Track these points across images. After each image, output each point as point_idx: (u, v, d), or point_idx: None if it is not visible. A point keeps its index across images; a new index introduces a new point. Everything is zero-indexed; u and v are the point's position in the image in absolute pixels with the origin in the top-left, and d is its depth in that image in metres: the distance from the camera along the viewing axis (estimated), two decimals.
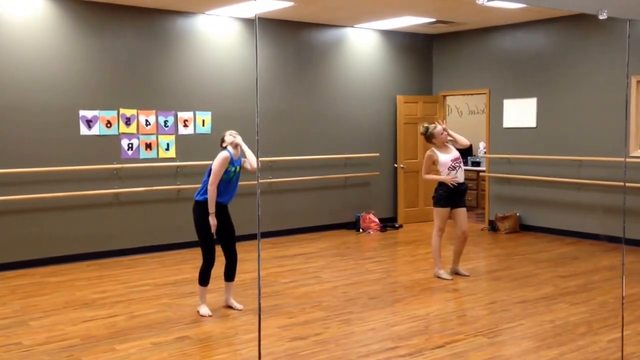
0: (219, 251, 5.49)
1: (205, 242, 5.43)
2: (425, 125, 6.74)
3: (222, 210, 5.44)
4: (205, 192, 5.33)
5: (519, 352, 4.57)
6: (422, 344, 4.70)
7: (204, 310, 5.47)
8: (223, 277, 5.64)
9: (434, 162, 6.58)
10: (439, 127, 6.57)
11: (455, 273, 6.81)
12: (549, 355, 4.47)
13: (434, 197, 6.67)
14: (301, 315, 5.44)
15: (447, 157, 6.53)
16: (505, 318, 5.34)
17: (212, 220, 5.31)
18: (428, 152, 6.61)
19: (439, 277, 6.67)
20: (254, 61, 8.76)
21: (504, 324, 5.17)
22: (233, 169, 5.41)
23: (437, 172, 6.63)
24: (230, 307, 5.64)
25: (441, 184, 6.58)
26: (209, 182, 5.29)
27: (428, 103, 10.61)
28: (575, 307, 5.63)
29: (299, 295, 6.08)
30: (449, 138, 6.64)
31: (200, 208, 5.40)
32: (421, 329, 5.07)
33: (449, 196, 6.55)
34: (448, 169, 6.51)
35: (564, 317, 5.32)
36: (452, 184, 6.49)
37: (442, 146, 6.59)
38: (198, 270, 5.50)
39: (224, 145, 5.48)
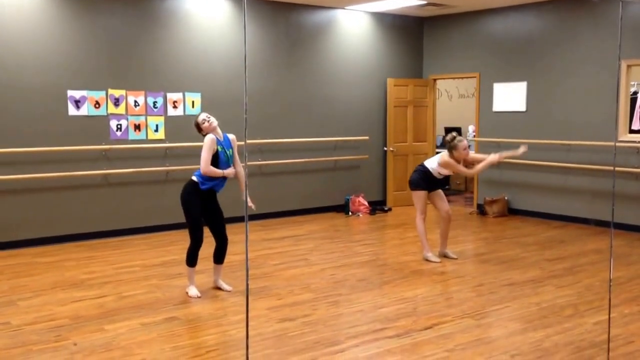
0: (207, 232, 5.49)
1: (194, 222, 5.39)
2: (454, 134, 6.54)
3: (211, 196, 5.44)
4: (204, 176, 5.31)
5: (505, 333, 4.61)
6: (409, 326, 4.74)
7: (193, 291, 5.47)
8: (212, 259, 5.64)
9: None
10: (465, 143, 6.45)
11: (444, 256, 6.86)
12: (535, 337, 4.51)
13: (410, 181, 6.76)
14: (290, 297, 5.46)
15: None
16: (492, 300, 5.38)
17: (226, 172, 5.33)
18: (446, 158, 6.46)
19: (427, 260, 6.71)
20: (243, 42, 8.69)
21: (490, 306, 5.22)
22: (222, 149, 5.37)
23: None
24: (219, 288, 5.65)
25: (419, 169, 6.73)
26: (201, 169, 5.27)
27: (418, 86, 10.60)
28: (561, 289, 5.69)
29: (288, 277, 6.10)
30: (473, 161, 6.68)
31: (192, 188, 5.37)
32: (409, 310, 5.11)
33: (424, 179, 6.63)
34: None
35: (551, 300, 5.37)
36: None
37: (458, 161, 6.53)
38: (186, 251, 5.49)
39: (203, 133, 5.39)
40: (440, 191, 6.78)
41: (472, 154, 6.76)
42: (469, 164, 6.71)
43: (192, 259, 5.47)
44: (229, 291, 5.58)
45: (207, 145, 5.26)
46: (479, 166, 6.56)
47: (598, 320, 4.86)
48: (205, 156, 5.25)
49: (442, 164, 6.54)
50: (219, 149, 5.33)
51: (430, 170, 6.65)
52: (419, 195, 6.69)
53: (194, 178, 5.36)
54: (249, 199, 5.38)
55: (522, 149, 6.43)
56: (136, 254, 7.05)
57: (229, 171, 5.35)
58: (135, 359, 4.11)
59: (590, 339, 4.45)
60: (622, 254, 6.98)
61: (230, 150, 5.46)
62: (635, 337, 4.48)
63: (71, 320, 4.85)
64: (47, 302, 5.30)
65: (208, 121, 5.36)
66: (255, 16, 8.84)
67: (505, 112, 9.66)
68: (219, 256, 5.60)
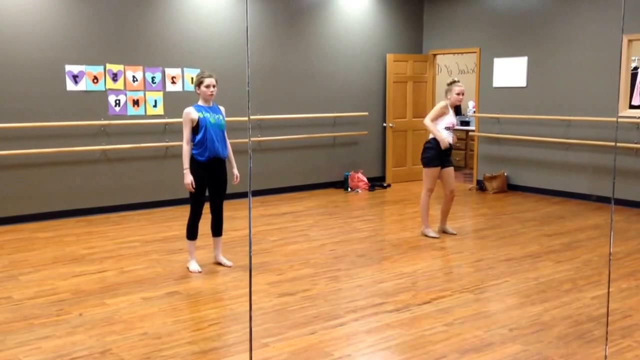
0: (207, 207, 5.49)
1: (194, 195, 5.36)
2: (455, 79, 6.67)
3: (217, 164, 5.36)
4: (198, 146, 5.28)
5: (504, 307, 4.64)
6: (408, 300, 4.77)
7: (194, 266, 5.48)
8: (210, 233, 5.64)
9: (440, 115, 6.55)
10: (459, 88, 6.52)
11: (443, 231, 6.87)
12: (534, 311, 4.55)
13: (424, 158, 6.67)
14: (289, 272, 5.48)
15: (451, 118, 6.58)
16: (491, 275, 5.41)
17: (186, 178, 5.23)
18: (442, 104, 6.57)
19: (426, 236, 6.73)
20: (243, 17, 8.63)
21: (489, 281, 5.25)
22: (209, 115, 5.26)
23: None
24: (219, 263, 5.66)
25: (431, 145, 6.59)
26: (184, 134, 5.25)
27: (418, 62, 10.54)
28: (560, 264, 5.72)
29: (287, 253, 6.12)
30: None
31: (192, 161, 5.31)
32: (408, 285, 5.14)
33: (439, 156, 6.58)
34: (445, 129, 6.55)
35: (549, 275, 5.41)
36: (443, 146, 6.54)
37: (451, 107, 6.62)
38: (186, 227, 5.50)
39: (197, 92, 5.30)
40: (451, 169, 6.70)
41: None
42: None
43: (192, 232, 5.46)
44: (230, 266, 5.59)
45: (185, 120, 5.23)
46: (433, 128, 6.51)
47: (596, 294, 4.89)
48: (184, 129, 5.23)
49: (439, 108, 6.55)
50: (201, 116, 5.22)
51: (434, 133, 6.55)
52: (430, 173, 6.63)
53: (193, 151, 5.33)
54: (235, 171, 5.48)
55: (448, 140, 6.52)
56: (136, 230, 7.07)
57: (187, 181, 5.23)
58: (136, 332, 4.14)
59: (588, 313, 4.49)
60: (620, 229, 7.01)
61: (220, 116, 5.35)
62: (633, 312, 4.52)
63: (72, 295, 4.87)
64: (48, 277, 5.32)
65: (212, 90, 5.25)
66: None
67: (506, 88, 9.63)
68: (215, 228, 5.57)
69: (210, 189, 5.44)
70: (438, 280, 5.27)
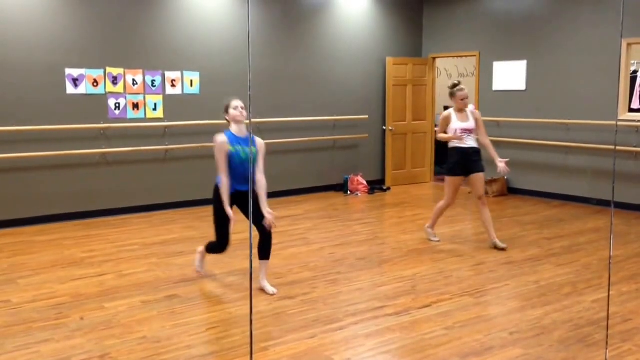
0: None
1: (219, 227, 4.97)
2: (457, 82, 6.49)
3: (244, 198, 4.96)
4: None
5: (504, 311, 4.63)
6: (408, 304, 4.76)
7: (200, 268, 5.42)
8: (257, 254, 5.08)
9: (447, 124, 6.33)
10: (463, 93, 6.31)
11: (494, 247, 6.38)
12: (534, 314, 4.54)
13: (445, 166, 6.48)
14: (289, 276, 5.47)
15: (459, 123, 6.28)
16: (491, 279, 5.40)
17: (227, 210, 4.78)
18: (445, 113, 6.40)
19: (429, 238, 6.71)
20: (243, 21, 8.64)
21: (489, 285, 5.24)
22: (241, 148, 4.82)
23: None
24: (261, 289, 5.04)
25: (452, 152, 6.34)
26: (219, 167, 4.80)
27: (418, 65, 10.55)
28: (560, 268, 5.71)
29: (287, 257, 6.11)
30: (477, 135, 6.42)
31: (215, 193, 4.91)
32: (408, 289, 5.12)
33: (461, 163, 6.29)
34: (454, 134, 6.27)
35: (549, 278, 5.40)
36: (458, 145, 6.26)
37: (460, 111, 6.36)
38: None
39: (227, 118, 4.91)
40: (479, 175, 6.30)
41: (483, 129, 6.46)
42: (479, 127, 6.39)
43: (211, 249, 5.19)
44: (273, 294, 4.95)
45: (218, 148, 4.77)
46: (442, 135, 6.31)
47: (596, 298, 4.88)
48: (218, 159, 4.77)
49: (443, 119, 6.36)
50: (232, 150, 4.80)
51: (445, 138, 6.34)
52: (449, 182, 6.39)
53: (217, 182, 4.91)
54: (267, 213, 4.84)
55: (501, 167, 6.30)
56: (135, 233, 7.06)
57: (229, 214, 4.77)
58: (135, 336, 4.12)
59: (588, 317, 4.48)
60: (620, 233, 7.00)
61: (254, 149, 4.88)
62: (633, 315, 4.51)
63: (71, 298, 4.86)
64: (47, 281, 5.31)
65: (241, 111, 4.85)
66: None
67: (505, 91, 9.63)
68: (262, 250, 5.02)
69: (246, 216, 5.03)
70: (438, 284, 5.26)
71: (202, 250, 5.37)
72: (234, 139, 4.83)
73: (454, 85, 6.46)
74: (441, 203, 6.57)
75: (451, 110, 6.43)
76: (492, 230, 6.45)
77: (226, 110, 4.90)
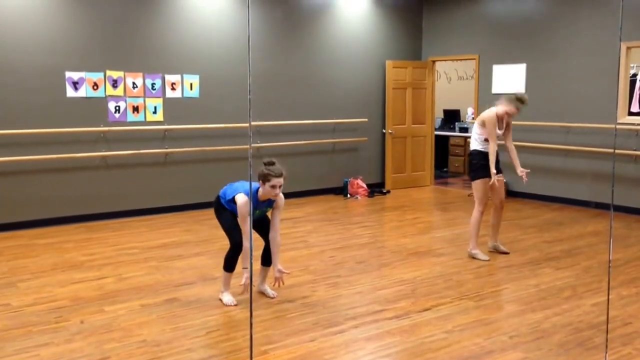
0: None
1: (226, 229, 4.85)
2: (526, 96, 6.21)
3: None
4: (231, 200, 4.66)
5: (504, 315, 4.64)
6: (408, 307, 4.76)
7: (227, 298, 4.84)
8: (260, 260, 5.10)
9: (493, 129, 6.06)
10: (512, 109, 6.08)
11: (495, 250, 6.35)
12: (534, 318, 4.54)
13: (471, 171, 6.20)
14: (289, 279, 5.46)
15: (497, 131, 6.11)
16: (491, 282, 5.40)
17: (243, 277, 4.58)
18: (494, 118, 6.06)
19: (474, 258, 6.12)
20: (243, 24, 8.65)
21: (489, 288, 5.24)
22: (258, 212, 4.75)
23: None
24: (262, 293, 5.07)
25: (477, 155, 6.12)
26: (242, 228, 4.63)
27: (417, 68, 10.56)
28: (560, 271, 5.71)
29: (287, 259, 6.10)
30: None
31: (219, 207, 4.84)
32: (408, 292, 5.12)
33: (485, 166, 6.05)
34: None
35: (549, 282, 5.40)
36: (482, 149, 6.07)
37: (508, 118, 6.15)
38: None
39: (261, 184, 4.56)
40: (501, 177, 6.12)
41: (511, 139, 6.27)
42: (506, 135, 6.24)
43: (229, 265, 4.83)
44: (274, 297, 4.97)
45: (243, 209, 4.53)
46: (493, 154, 5.98)
47: (596, 302, 4.88)
48: (244, 227, 4.61)
49: (482, 121, 6.07)
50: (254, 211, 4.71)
51: (477, 142, 6.11)
52: (477, 186, 6.11)
53: (223, 203, 4.80)
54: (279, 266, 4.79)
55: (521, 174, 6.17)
56: (135, 236, 7.06)
57: (243, 281, 4.58)
58: (135, 340, 4.12)
59: (588, 321, 4.48)
60: (620, 236, 7.00)
61: (267, 209, 4.77)
62: (633, 319, 4.51)
63: (71, 302, 4.86)
64: (46, 284, 5.31)
65: (278, 192, 4.56)
66: None
67: (505, 94, 9.60)
68: (265, 257, 5.01)
69: (256, 229, 4.98)
70: (438, 287, 5.26)
71: (223, 275, 4.88)
72: (255, 205, 4.65)
73: (523, 100, 6.15)
74: (475, 214, 6.16)
75: (495, 115, 6.09)
76: (497, 235, 6.39)
77: (264, 179, 4.51)
